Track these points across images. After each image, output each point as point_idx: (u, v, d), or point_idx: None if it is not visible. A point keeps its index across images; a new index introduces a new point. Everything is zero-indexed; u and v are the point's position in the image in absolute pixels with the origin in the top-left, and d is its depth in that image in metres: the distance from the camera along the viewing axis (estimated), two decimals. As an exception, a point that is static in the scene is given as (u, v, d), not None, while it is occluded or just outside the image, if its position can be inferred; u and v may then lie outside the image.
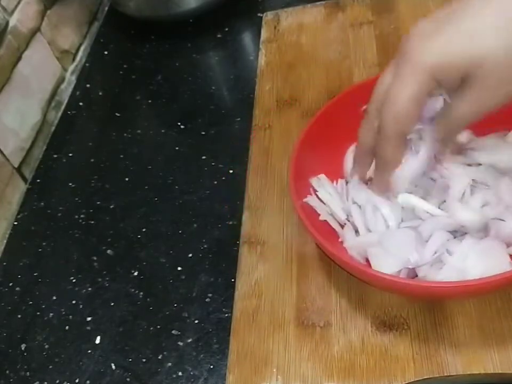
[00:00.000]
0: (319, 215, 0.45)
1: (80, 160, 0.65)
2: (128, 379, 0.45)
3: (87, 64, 0.77)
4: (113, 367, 0.46)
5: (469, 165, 0.44)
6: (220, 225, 0.53)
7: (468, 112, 0.36)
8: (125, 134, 0.66)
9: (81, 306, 0.51)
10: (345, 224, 0.45)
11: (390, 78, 0.38)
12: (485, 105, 0.35)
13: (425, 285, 0.38)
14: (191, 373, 0.44)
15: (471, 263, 0.39)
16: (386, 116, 0.37)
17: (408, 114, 0.36)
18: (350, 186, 0.46)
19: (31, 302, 0.52)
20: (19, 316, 0.52)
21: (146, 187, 0.59)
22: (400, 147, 0.39)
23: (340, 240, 0.44)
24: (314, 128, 0.47)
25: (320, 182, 0.47)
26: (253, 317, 0.44)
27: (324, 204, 0.46)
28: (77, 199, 0.60)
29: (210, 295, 0.48)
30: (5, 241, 0.59)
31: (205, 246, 0.52)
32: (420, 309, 0.41)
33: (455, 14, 0.35)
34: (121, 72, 0.74)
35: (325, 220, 0.45)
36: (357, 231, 0.44)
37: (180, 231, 0.54)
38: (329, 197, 0.46)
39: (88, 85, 0.74)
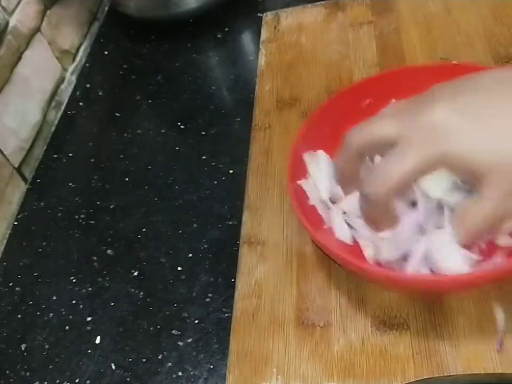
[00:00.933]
0: None
1: (80, 160, 0.65)
2: (128, 379, 0.45)
3: (87, 64, 0.77)
4: (113, 367, 0.46)
5: None
6: (220, 225, 0.53)
7: (484, 217, 0.35)
8: (125, 134, 0.66)
9: (81, 306, 0.51)
10: (330, 208, 0.45)
11: (389, 129, 0.36)
12: (498, 213, 0.34)
13: (402, 277, 0.38)
14: (191, 373, 0.45)
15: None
16: (378, 186, 0.36)
17: (403, 187, 0.36)
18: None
19: (31, 302, 0.52)
20: (19, 316, 0.52)
21: (146, 187, 0.59)
22: (390, 209, 0.38)
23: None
24: (323, 113, 0.47)
25: (314, 157, 0.46)
26: (253, 317, 0.44)
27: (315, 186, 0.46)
28: (77, 199, 0.60)
29: (210, 295, 0.49)
30: (5, 241, 0.59)
31: (205, 246, 0.52)
32: (420, 309, 0.41)
33: (484, 105, 0.34)
34: (121, 72, 0.74)
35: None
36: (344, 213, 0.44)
37: (180, 231, 0.54)
38: (318, 173, 0.46)
39: (88, 85, 0.74)
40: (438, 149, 0.34)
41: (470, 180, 0.36)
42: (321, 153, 0.47)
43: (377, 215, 0.39)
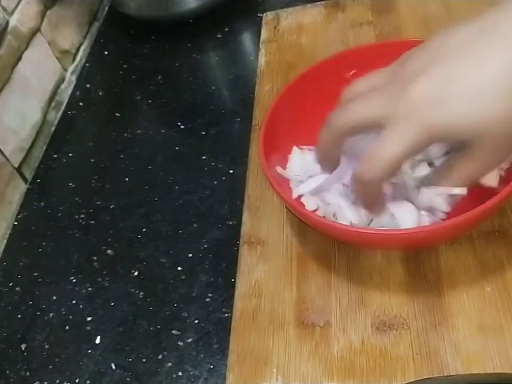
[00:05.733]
0: None
1: (80, 160, 0.65)
2: (128, 379, 0.45)
3: (87, 64, 0.77)
4: (113, 367, 0.46)
5: None
6: (220, 225, 0.53)
7: (471, 172, 0.37)
8: (125, 134, 0.66)
9: (81, 306, 0.51)
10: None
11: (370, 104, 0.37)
12: (484, 168, 0.37)
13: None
14: (191, 373, 0.44)
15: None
16: (372, 170, 0.37)
17: (392, 170, 0.37)
18: None
19: (31, 302, 0.52)
20: (19, 316, 0.52)
21: (146, 187, 0.59)
22: (380, 192, 0.39)
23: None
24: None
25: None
26: (253, 317, 0.44)
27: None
28: (77, 199, 0.60)
29: (210, 295, 0.49)
30: (5, 241, 0.59)
31: (205, 246, 0.52)
32: (420, 309, 0.41)
33: (457, 68, 0.34)
34: (121, 72, 0.74)
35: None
36: None
37: (180, 231, 0.54)
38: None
39: (88, 85, 0.74)
40: (424, 126, 0.35)
41: (458, 145, 0.37)
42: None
43: (371, 197, 0.40)
